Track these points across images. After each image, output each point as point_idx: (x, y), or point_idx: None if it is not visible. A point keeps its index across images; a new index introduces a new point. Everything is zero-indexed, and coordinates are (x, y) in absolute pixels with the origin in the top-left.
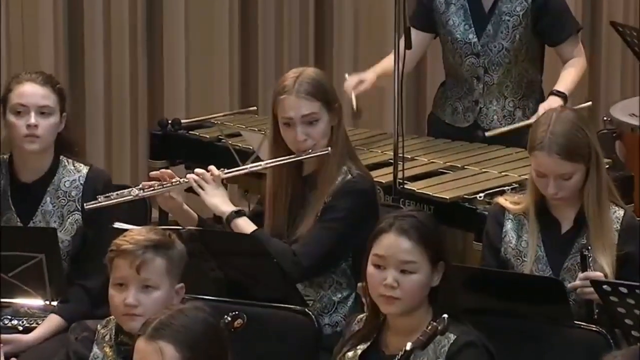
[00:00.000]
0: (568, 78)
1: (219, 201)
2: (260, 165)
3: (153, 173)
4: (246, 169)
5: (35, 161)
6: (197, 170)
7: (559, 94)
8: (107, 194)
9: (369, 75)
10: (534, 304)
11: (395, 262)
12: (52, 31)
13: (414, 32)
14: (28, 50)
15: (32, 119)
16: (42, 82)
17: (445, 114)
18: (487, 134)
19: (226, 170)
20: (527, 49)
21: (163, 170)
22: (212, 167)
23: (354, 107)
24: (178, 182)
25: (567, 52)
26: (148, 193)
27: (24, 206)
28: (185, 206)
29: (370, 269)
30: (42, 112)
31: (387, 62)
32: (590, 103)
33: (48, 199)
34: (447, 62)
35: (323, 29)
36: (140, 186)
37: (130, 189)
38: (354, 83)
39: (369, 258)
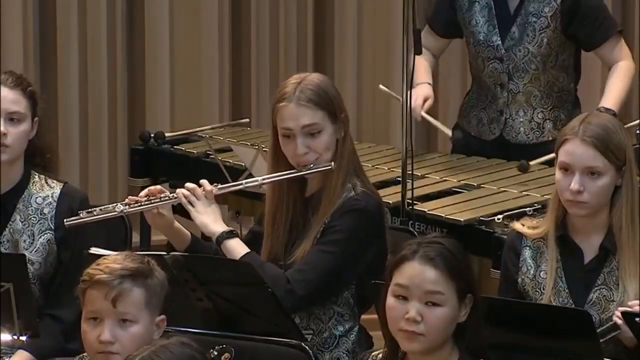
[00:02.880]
0: (613, 90)
1: (210, 220)
2: (257, 181)
3: (144, 191)
4: (242, 184)
5: (3, 172)
6: (188, 185)
7: (606, 111)
8: (90, 209)
9: (426, 91)
10: (559, 339)
11: (420, 293)
12: (20, 28)
13: (429, 35)
14: None
15: (1, 126)
16: (11, 84)
17: (470, 125)
18: (531, 163)
19: (220, 186)
20: (557, 55)
21: (151, 187)
22: (204, 182)
23: (442, 129)
24: (167, 198)
25: (608, 56)
26: (134, 209)
27: None
28: (177, 224)
29: (390, 300)
30: (12, 118)
31: (423, 72)
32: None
33: (18, 216)
34: (472, 67)
35: (323, 32)
36: (126, 201)
37: (115, 204)
38: (420, 103)
39: (389, 288)
